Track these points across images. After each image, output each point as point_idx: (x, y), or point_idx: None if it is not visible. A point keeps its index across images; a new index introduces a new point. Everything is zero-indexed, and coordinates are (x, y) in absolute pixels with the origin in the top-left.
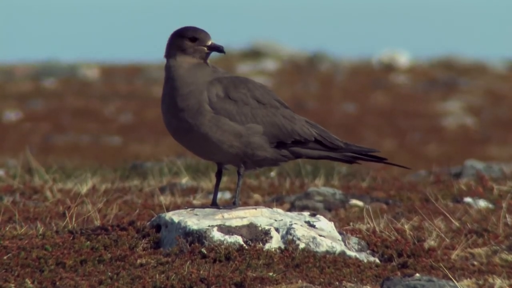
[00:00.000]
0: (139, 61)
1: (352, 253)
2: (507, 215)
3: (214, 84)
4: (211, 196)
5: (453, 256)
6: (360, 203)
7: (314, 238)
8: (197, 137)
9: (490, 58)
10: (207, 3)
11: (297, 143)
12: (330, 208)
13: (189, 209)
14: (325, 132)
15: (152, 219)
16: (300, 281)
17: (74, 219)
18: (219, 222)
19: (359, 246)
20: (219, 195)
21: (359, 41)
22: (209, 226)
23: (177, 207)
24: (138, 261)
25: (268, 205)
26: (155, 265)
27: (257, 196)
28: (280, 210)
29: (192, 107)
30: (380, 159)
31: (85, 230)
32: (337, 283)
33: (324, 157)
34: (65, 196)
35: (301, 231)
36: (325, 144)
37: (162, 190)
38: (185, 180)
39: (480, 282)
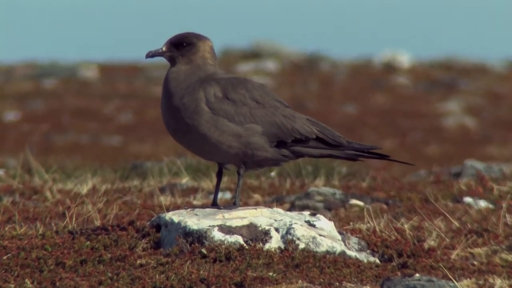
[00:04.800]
0: (139, 61)
1: (352, 253)
2: (507, 215)
3: (211, 85)
4: (211, 196)
5: (453, 256)
6: (360, 203)
7: (314, 238)
8: (196, 137)
9: (490, 59)
10: (207, 3)
11: (298, 141)
12: (330, 208)
13: (189, 209)
14: (327, 130)
15: (152, 219)
16: (300, 281)
17: (74, 219)
18: (219, 222)
19: (359, 246)
20: (220, 195)
21: (359, 42)
22: (209, 226)
23: (177, 207)
24: (138, 261)
25: (268, 205)
26: (155, 265)
27: (257, 196)
28: (280, 210)
29: (189, 105)
30: (382, 156)
31: (85, 230)
32: (337, 283)
33: (326, 155)
34: (65, 196)
35: (301, 231)
36: (327, 141)
37: (162, 190)
38: (185, 180)
39: (480, 282)
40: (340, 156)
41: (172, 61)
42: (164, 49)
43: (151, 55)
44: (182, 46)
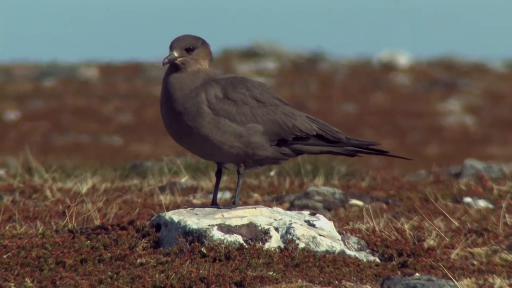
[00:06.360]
0: (139, 61)
1: (351, 253)
2: (506, 215)
3: (212, 85)
4: (211, 196)
5: (452, 256)
6: (359, 202)
7: (313, 237)
8: (198, 139)
9: (490, 58)
10: (207, 3)
11: (298, 139)
12: (329, 208)
13: (189, 208)
14: (326, 126)
15: (152, 218)
16: (299, 280)
17: (74, 218)
18: (219, 222)
19: (359, 246)
20: (219, 194)
21: (359, 41)
22: (209, 225)
23: (177, 206)
24: (138, 260)
25: (267, 204)
26: (155, 264)
27: (256, 196)
28: (280, 209)
29: (191, 109)
30: (381, 152)
31: (85, 229)
32: (336, 282)
33: (326, 152)
34: (65, 195)
35: (300, 231)
36: (327, 138)
37: (162, 189)
38: (184, 179)
39: (480, 282)
40: (339, 152)
41: (182, 65)
42: (176, 54)
43: (167, 61)
44: (191, 50)
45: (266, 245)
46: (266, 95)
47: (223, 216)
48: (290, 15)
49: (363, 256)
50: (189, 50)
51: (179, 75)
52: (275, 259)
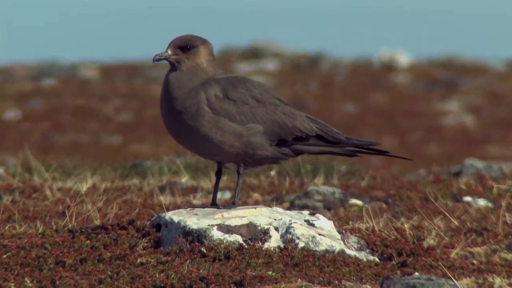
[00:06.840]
0: (139, 61)
1: (351, 252)
2: (506, 214)
3: (211, 85)
4: (210, 196)
5: (452, 255)
6: (359, 202)
7: (313, 237)
8: (198, 138)
9: (490, 58)
10: (207, 3)
11: (298, 139)
12: (329, 207)
13: (189, 208)
14: (326, 127)
15: (152, 218)
16: (299, 280)
17: (73, 218)
18: (218, 222)
19: (359, 245)
20: (219, 194)
21: (359, 41)
22: (208, 225)
23: (177, 206)
24: (138, 260)
25: (267, 204)
26: (155, 264)
27: (256, 195)
28: (279, 209)
29: (191, 108)
30: (382, 152)
31: (85, 229)
32: (336, 282)
33: (326, 152)
34: (65, 195)
35: (300, 230)
36: (327, 138)
37: (162, 189)
38: (184, 179)
39: (480, 281)
40: (339, 152)
41: (177, 63)
42: (169, 52)
43: (157, 58)
44: (186, 48)
45: (266, 245)
46: (266, 95)
47: (222, 216)
48: (291, 15)
49: (363, 255)
50: (184, 49)
51: (177, 74)
52: (274, 259)
